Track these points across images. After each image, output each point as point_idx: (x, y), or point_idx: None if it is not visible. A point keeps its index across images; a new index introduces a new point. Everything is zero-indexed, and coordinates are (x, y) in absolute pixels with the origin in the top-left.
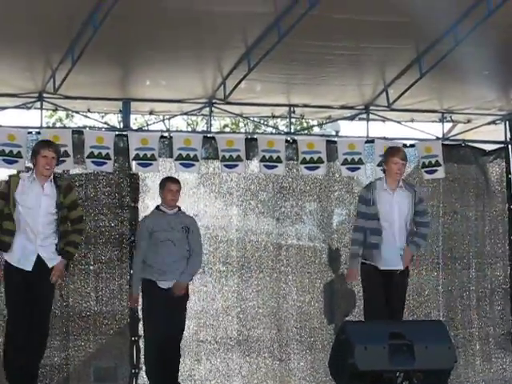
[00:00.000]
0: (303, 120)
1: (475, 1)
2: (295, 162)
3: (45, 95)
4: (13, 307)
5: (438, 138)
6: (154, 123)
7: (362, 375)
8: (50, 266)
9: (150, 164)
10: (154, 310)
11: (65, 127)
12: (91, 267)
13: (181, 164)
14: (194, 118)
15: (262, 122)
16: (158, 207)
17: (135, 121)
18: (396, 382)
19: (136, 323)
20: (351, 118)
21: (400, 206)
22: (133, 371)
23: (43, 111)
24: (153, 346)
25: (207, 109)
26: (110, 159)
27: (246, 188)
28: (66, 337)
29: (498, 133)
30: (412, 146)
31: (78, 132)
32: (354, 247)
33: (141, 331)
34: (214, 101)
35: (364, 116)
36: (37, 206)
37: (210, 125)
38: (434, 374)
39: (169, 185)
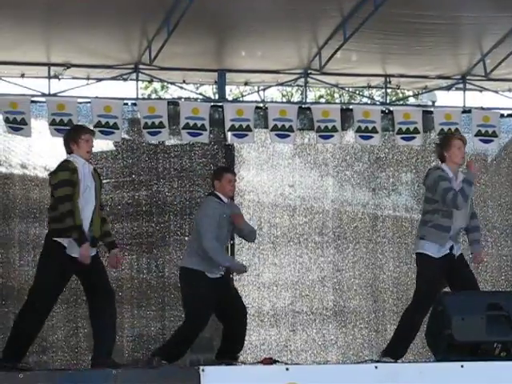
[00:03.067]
0: (399, 90)
1: None
2: (391, 133)
3: (140, 66)
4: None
5: None
6: (248, 94)
7: (459, 346)
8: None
9: (246, 135)
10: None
11: (160, 98)
12: (186, 238)
13: (276, 135)
14: (289, 88)
15: (357, 92)
16: (215, 195)
17: (230, 92)
18: (494, 353)
19: None
20: (448, 88)
21: None
22: None
23: (139, 83)
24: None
25: (302, 79)
26: (205, 130)
27: (341, 159)
28: (162, 307)
29: None
30: (510, 115)
31: (173, 103)
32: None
33: None
34: (309, 71)
35: (461, 86)
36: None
37: (306, 95)
38: None
39: (228, 176)
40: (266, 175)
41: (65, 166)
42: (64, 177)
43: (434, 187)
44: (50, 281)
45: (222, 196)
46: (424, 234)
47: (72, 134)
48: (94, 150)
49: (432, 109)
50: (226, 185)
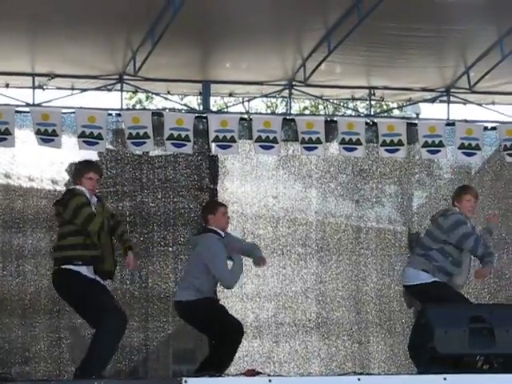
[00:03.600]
0: (383, 102)
1: None
2: (375, 145)
3: (125, 77)
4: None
5: None
6: (233, 105)
7: (441, 359)
8: None
9: (230, 146)
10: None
11: (145, 109)
12: (170, 249)
13: (260, 146)
14: (273, 100)
15: (341, 104)
16: (214, 231)
17: (215, 103)
18: (476, 365)
19: None
20: (432, 101)
21: None
22: None
23: (123, 93)
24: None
25: (287, 91)
26: (189, 141)
27: (325, 170)
28: (145, 318)
29: None
30: (493, 128)
31: (157, 114)
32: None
33: None
34: (293, 83)
35: (445, 98)
36: None
37: (290, 107)
38: None
39: (222, 209)
40: (249, 186)
41: (78, 191)
42: (82, 200)
43: (451, 229)
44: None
45: (218, 230)
46: (428, 269)
47: (75, 172)
48: (78, 159)
49: (416, 121)
50: (221, 218)
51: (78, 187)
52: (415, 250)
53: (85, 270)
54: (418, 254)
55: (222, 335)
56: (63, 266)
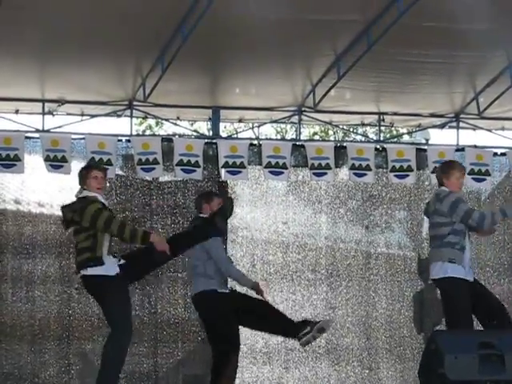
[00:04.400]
0: (393, 128)
1: None
2: (385, 170)
3: (135, 103)
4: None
5: None
6: (243, 131)
7: None
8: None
9: (240, 172)
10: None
11: (154, 135)
12: (179, 274)
13: (270, 172)
14: (283, 125)
15: (351, 129)
16: None
17: (224, 128)
18: None
19: None
20: (441, 126)
21: None
22: None
23: (133, 119)
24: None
25: (296, 117)
26: (199, 167)
27: (335, 196)
28: (154, 344)
29: None
30: (503, 154)
31: (167, 140)
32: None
33: None
34: (303, 109)
35: (454, 124)
36: None
37: (300, 133)
38: None
39: (218, 200)
40: (259, 212)
41: (90, 199)
42: (98, 206)
43: (452, 211)
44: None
45: None
46: (453, 256)
47: (80, 178)
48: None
49: (425, 147)
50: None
51: (90, 194)
52: (431, 244)
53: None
54: (437, 244)
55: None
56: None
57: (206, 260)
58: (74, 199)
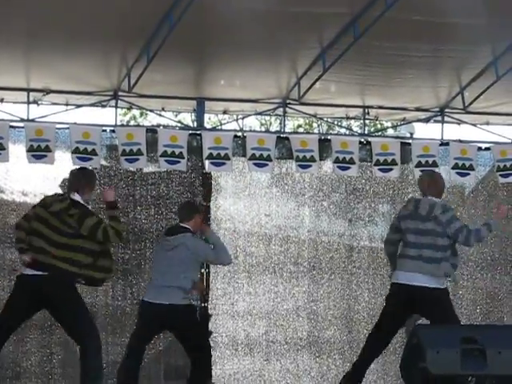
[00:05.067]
0: (377, 121)
1: None
2: (369, 164)
3: (120, 93)
4: None
5: None
6: (227, 122)
7: (433, 379)
8: None
9: (224, 163)
10: None
11: (139, 125)
12: None
13: (254, 164)
14: (267, 117)
15: (335, 122)
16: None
17: (209, 120)
18: None
19: (207, 321)
20: (426, 121)
21: None
22: None
23: (118, 109)
24: None
25: (281, 109)
26: (183, 158)
27: (318, 189)
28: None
29: None
30: (487, 149)
31: (151, 130)
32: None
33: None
34: (287, 101)
35: (439, 118)
36: None
37: (284, 125)
38: (507, 379)
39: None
40: (242, 204)
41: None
42: (96, 220)
43: (449, 223)
44: None
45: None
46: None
47: (90, 180)
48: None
49: (410, 141)
50: (200, 223)
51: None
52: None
53: None
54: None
55: (204, 345)
56: None
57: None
58: (58, 189)
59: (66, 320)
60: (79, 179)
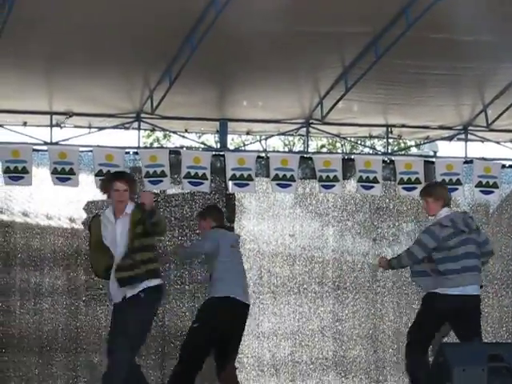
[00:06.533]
0: (401, 140)
1: None
2: (392, 183)
3: (142, 115)
4: None
5: None
6: (250, 143)
7: None
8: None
9: (247, 184)
10: None
11: (162, 147)
12: (186, 287)
13: (277, 184)
14: (290, 138)
15: (359, 142)
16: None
17: (232, 141)
18: None
19: None
20: (449, 139)
21: None
22: None
23: (141, 131)
24: None
25: (304, 129)
26: (206, 179)
27: (342, 208)
28: (161, 356)
29: None
30: (511, 166)
31: (175, 152)
32: None
33: None
34: (310, 121)
35: (462, 136)
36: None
37: (307, 145)
38: None
39: None
40: (266, 224)
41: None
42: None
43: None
44: None
45: None
46: None
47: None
48: (96, 198)
49: (433, 159)
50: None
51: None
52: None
53: None
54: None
55: None
56: None
57: None
58: (83, 212)
59: None
60: None
